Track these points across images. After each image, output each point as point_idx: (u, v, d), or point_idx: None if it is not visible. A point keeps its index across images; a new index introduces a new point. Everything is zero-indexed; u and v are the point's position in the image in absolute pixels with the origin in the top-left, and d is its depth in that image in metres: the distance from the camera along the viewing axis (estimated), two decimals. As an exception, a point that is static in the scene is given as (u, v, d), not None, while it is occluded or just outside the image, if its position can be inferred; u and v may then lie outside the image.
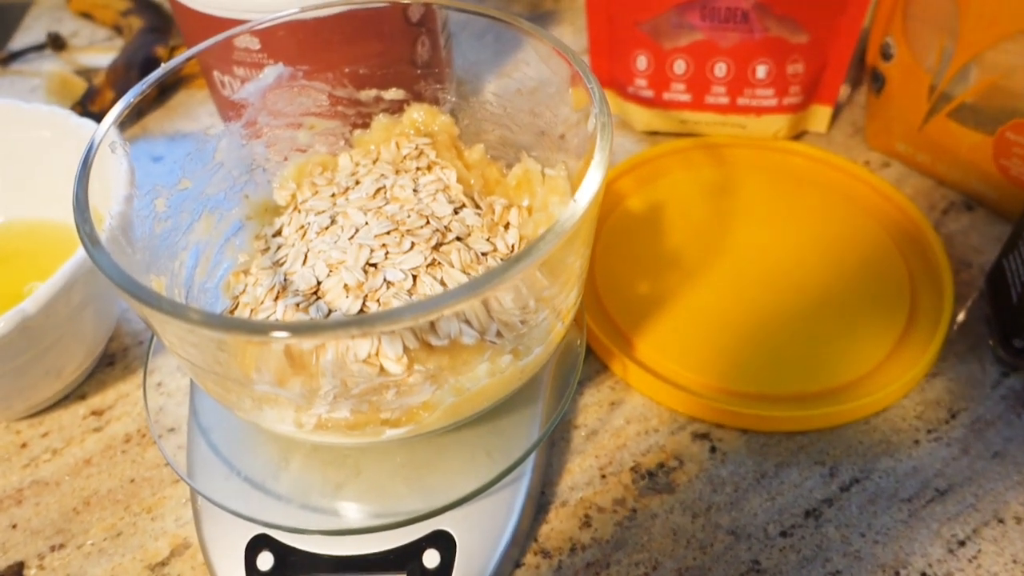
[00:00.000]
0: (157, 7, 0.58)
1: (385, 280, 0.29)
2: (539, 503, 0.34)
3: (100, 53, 0.56)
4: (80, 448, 0.37)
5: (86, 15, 0.61)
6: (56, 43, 0.57)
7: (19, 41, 0.60)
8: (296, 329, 0.23)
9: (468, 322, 0.28)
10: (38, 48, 0.57)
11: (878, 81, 0.46)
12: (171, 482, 0.36)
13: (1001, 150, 0.41)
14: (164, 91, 0.53)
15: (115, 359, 0.40)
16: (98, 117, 0.37)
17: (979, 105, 0.41)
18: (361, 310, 0.29)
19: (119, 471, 0.36)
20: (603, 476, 0.35)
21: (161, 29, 0.56)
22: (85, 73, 0.54)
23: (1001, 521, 0.33)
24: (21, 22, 0.63)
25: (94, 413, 0.38)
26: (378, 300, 0.29)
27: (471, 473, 0.31)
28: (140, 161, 0.34)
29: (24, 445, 0.37)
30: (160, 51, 0.53)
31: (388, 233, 0.31)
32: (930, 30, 0.42)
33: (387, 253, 0.30)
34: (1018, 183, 0.41)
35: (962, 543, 0.32)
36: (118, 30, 0.59)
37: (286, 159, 0.37)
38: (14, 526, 0.34)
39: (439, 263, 0.30)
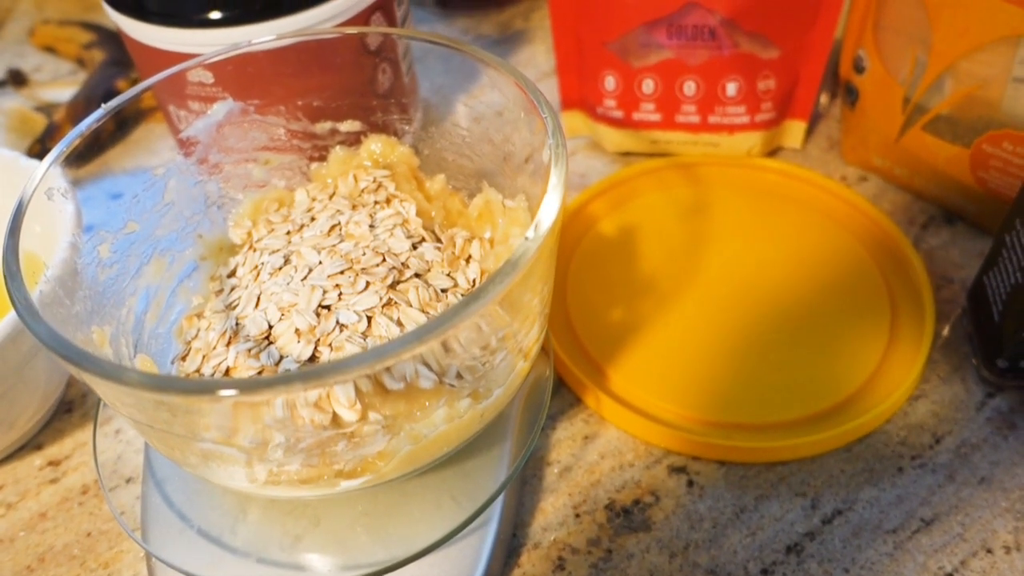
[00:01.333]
0: (120, 40, 0.57)
1: (338, 323, 0.28)
2: (510, 546, 0.33)
3: (63, 88, 0.55)
4: (36, 501, 0.35)
5: (49, 49, 0.60)
6: (16, 79, 0.56)
7: (-18, 77, 0.59)
8: (239, 386, 0.22)
9: (427, 364, 0.27)
10: (-1, 84, 0.56)
11: (852, 94, 0.45)
12: (128, 535, 0.34)
13: (978, 162, 0.40)
14: (124, 125, 0.52)
15: (73, 406, 0.39)
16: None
17: (955, 117, 0.41)
18: (313, 355, 0.28)
19: (75, 524, 0.35)
20: (577, 515, 0.34)
21: (124, 62, 0.55)
22: (47, 109, 0.53)
23: (990, 551, 0.32)
24: (-16, 57, 0.62)
25: (51, 464, 0.37)
26: (330, 344, 0.28)
27: (436, 520, 0.30)
28: (98, 199, 0.33)
29: (-23, 500, 0.36)
30: (122, 84, 0.52)
31: (342, 272, 0.30)
32: (902, 41, 0.41)
33: (340, 294, 0.29)
34: (997, 195, 0.40)
35: (950, 575, 0.31)
36: (81, 63, 0.58)
37: (241, 195, 0.36)
38: (-35, 587, 0.33)
39: (395, 303, 0.29)
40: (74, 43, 0.58)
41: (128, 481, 0.35)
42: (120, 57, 0.55)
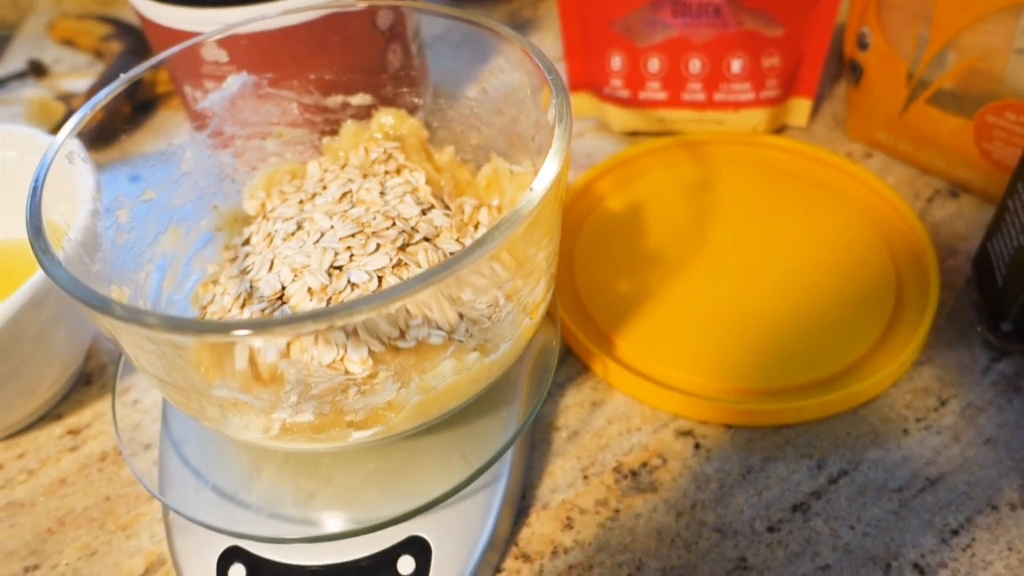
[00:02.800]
0: (137, 31, 0.59)
1: (349, 282, 0.29)
2: (519, 507, 0.33)
3: (81, 78, 0.56)
4: (55, 468, 0.36)
5: (68, 42, 0.62)
6: (37, 70, 0.57)
7: (2, 70, 0.60)
8: (252, 325, 0.23)
9: (438, 326, 0.28)
10: (19, 76, 0.58)
11: (856, 72, 0.45)
12: (146, 499, 0.35)
13: (982, 133, 0.40)
14: (141, 111, 0.53)
15: (92, 378, 0.40)
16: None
17: (958, 90, 0.41)
18: (325, 312, 0.28)
19: (94, 490, 0.35)
20: (585, 477, 0.34)
21: (141, 52, 0.56)
22: (66, 98, 0.54)
23: (995, 508, 0.32)
24: (5, 52, 0.63)
25: (70, 432, 0.38)
26: (342, 302, 0.28)
27: (445, 477, 0.30)
28: (119, 182, 0.34)
29: (-1, 467, 0.37)
30: (139, 73, 0.53)
31: (353, 236, 0.30)
32: (905, 17, 0.42)
33: (352, 255, 0.30)
34: (1001, 166, 0.41)
35: (955, 532, 0.31)
36: (99, 55, 0.59)
37: (255, 168, 0.37)
38: (-11, 549, 0.34)
39: (405, 264, 0.30)
40: (92, 36, 0.59)
41: (146, 448, 0.36)
42: (137, 47, 0.56)
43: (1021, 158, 0.34)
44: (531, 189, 0.25)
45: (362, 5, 0.37)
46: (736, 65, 0.45)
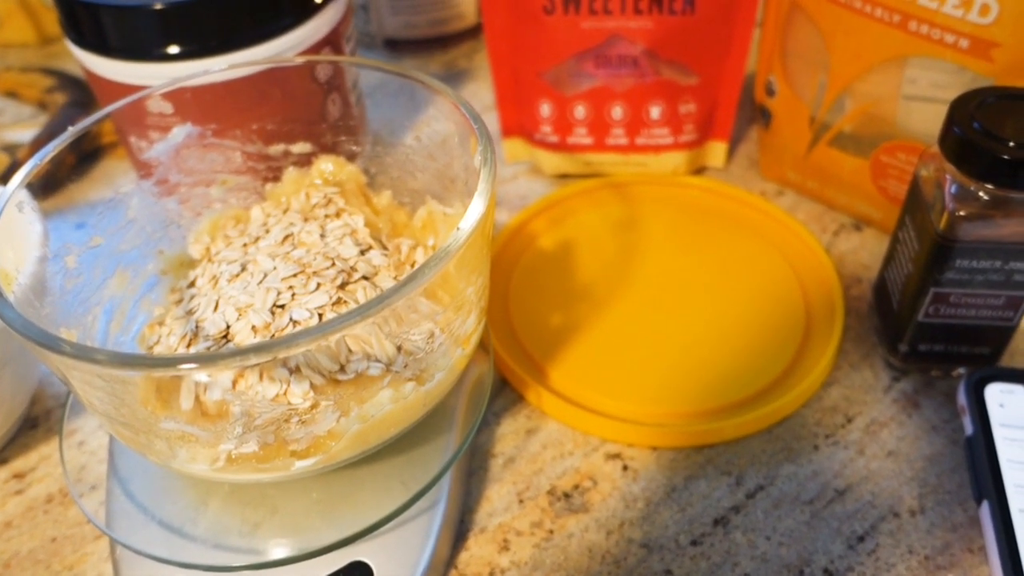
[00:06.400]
0: (81, 83, 0.60)
1: (291, 319, 0.31)
2: (458, 531, 0.35)
3: (25, 129, 0.57)
4: (1, 512, 0.37)
5: (11, 94, 0.63)
6: (-20, 121, 0.58)
7: (-57, 122, 0.61)
8: (199, 359, 0.24)
9: (377, 359, 0.30)
10: (-38, 127, 0.58)
11: (766, 116, 0.49)
12: (92, 539, 0.36)
13: (878, 172, 0.44)
14: (85, 160, 0.54)
15: (38, 422, 0.40)
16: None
17: (855, 132, 0.45)
18: (268, 349, 0.30)
19: (40, 531, 0.36)
20: (520, 501, 0.36)
21: (84, 104, 0.57)
22: (10, 149, 0.55)
23: (897, 515, 0.35)
24: (-54, 104, 0.64)
25: (15, 476, 0.38)
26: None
27: (386, 503, 0.32)
28: (63, 229, 0.35)
29: (-57, 512, 0.37)
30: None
31: (295, 275, 0.32)
32: (806, 66, 0.46)
33: (294, 294, 0.32)
34: (897, 201, 0.44)
35: (861, 538, 0.34)
36: (43, 107, 0.60)
37: (200, 214, 0.38)
38: (-68, 594, 0.34)
39: (345, 301, 0.32)
40: (36, 88, 0.60)
41: (92, 488, 0.36)
42: (81, 99, 0.58)
43: (907, 193, 0.37)
44: (458, 228, 0.27)
45: (301, 60, 0.39)
46: (655, 112, 0.48)
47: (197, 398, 0.29)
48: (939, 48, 0.39)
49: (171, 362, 0.24)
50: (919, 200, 0.36)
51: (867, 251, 0.46)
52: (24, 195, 0.31)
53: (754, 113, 0.53)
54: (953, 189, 0.34)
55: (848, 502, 0.35)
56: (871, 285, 0.44)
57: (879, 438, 0.37)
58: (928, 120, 0.42)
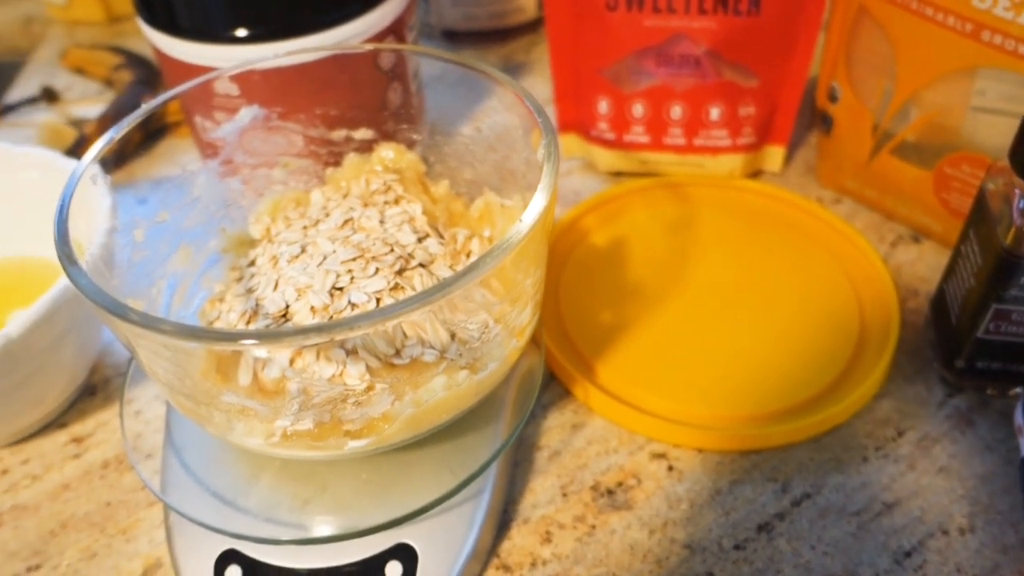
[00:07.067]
0: (147, 62, 0.61)
1: (350, 302, 0.31)
2: (501, 520, 0.35)
3: (91, 104, 0.59)
4: (59, 474, 0.38)
5: (79, 70, 0.64)
6: (49, 96, 0.60)
7: (15, 95, 0.63)
8: (260, 336, 0.25)
9: (431, 345, 0.30)
10: (32, 101, 0.60)
11: (827, 122, 0.48)
12: (145, 505, 0.37)
13: (941, 184, 0.43)
14: (150, 138, 0.56)
15: (96, 389, 0.42)
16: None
17: (919, 142, 0.44)
18: (326, 330, 0.31)
19: (96, 495, 0.37)
20: (564, 494, 0.36)
21: (149, 82, 0.58)
22: (77, 123, 0.57)
23: (946, 532, 0.34)
24: (17, 78, 0.66)
25: (74, 440, 0.39)
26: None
27: (433, 488, 0.32)
28: (126, 204, 0.36)
29: (5, 471, 0.38)
30: (148, 101, 0.56)
31: (354, 259, 0.33)
32: (871, 73, 0.45)
33: (352, 278, 0.32)
34: (958, 214, 0.43)
35: (908, 554, 0.34)
36: (109, 84, 0.62)
37: (261, 195, 0.39)
38: (-8, 550, 0.35)
39: (402, 287, 0.32)
40: (103, 65, 0.62)
41: (147, 457, 0.37)
42: (146, 77, 0.59)
43: (972, 207, 0.37)
44: (520, 220, 0.27)
45: (367, 47, 0.39)
46: (714, 113, 0.48)
47: (255, 375, 0.29)
48: (1012, 60, 0.38)
49: (233, 336, 0.25)
50: (985, 214, 0.35)
51: (925, 263, 0.46)
52: (97, 169, 0.32)
53: (814, 118, 0.52)
54: (1022, 204, 0.33)
55: (896, 516, 0.35)
56: (928, 298, 0.43)
57: (931, 454, 0.37)
58: (996, 133, 0.41)
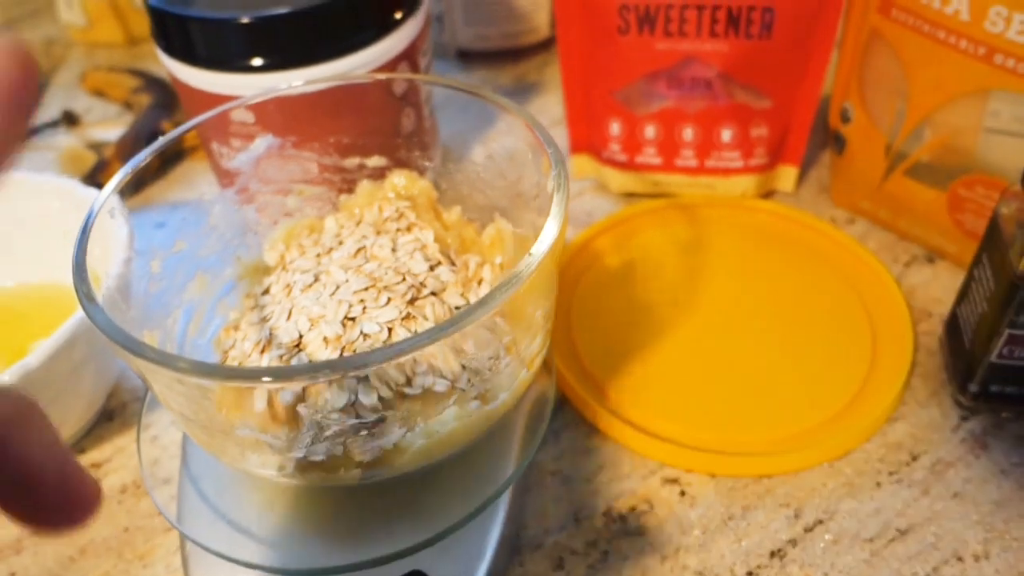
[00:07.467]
0: (165, 85, 0.62)
1: (362, 332, 0.31)
2: (514, 546, 0.35)
3: (111, 128, 0.60)
4: (78, 499, 0.38)
5: (99, 93, 0.65)
6: (70, 120, 0.61)
7: (36, 118, 0.64)
8: (274, 373, 0.25)
9: (442, 375, 0.30)
10: (53, 124, 0.61)
11: (839, 143, 0.48)
12: (163, 531, 0.37)
13: (955, 205, 0.43)
14: (167, 163, 0.57)
15: (114, 414, 0.42)
16: (104, 187, 0.40)
17: (933, 163, 0.44)
18: (339, 360, 0.31)
19: (114, 521, 0.38)
20: (576, 520, 0.36)
21: (168, 105, 0.59)
22: (96, 147, 0.57)
23: (960, 559, 0.34)
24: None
25: (92, 466, 0.40)
26: (355, 351, 0.31)
27: (445, 516, 0.32)
28: (143, 228, 0.37)
29: (25, 497, 0.39)
30: (166, 125, 0.57)
31: (366, 289, 0.33)
32: (884, 94, 0.45)
33: (365, 308, 0.32)
34: (972, 236, 0.43)
35: (922, 581, 0.33)
36: (128, 106, 0.62)
37: (276, 223, 0.39)
38: (13, 574, 0.36)
39: (414, 316, 0.32)
40: (122, 88, 0.63)
41: (165, 482, 0.38)
42: (164, 101, 0.60)
43: (986, 230, 0.37)
44: (530, 254, 0.28)
45: (381, 76, 0.40)
46: (726, 134, 0.48)
47: (270, 401, 0.30)
48: (1025, 82, 0.38)
49: (249, 375, 0.25)
50: (998, 239, 0.35)
51: (939, 284, 0.45)
52: (115, 201, 0.33)
53: (826, 138, 0.52)
54: (1035, 230, 0.33)
55: (910, 542, 0.35)
56: (942, 320, 0.43)
57: (945, 478, 0.37)
58: (1010, 155, 0.41)
